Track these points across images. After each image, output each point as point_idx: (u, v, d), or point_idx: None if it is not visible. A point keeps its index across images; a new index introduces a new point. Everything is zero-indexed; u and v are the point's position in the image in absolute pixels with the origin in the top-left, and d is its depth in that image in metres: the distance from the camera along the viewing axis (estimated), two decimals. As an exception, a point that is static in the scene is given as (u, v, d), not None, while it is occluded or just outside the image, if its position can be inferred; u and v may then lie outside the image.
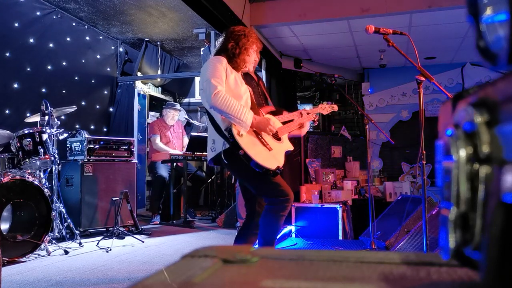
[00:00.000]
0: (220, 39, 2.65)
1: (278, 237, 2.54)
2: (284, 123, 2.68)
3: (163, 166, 5.41)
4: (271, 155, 2.41)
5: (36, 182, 3.36)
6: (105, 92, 6.12)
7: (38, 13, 4.87)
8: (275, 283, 0.43)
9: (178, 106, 5.86)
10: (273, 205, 2.35)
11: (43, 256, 3.39)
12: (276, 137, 2.56)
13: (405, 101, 7.55)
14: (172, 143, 5.69)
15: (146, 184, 6.86)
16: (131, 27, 5.87)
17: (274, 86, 6.36)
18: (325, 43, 6.25)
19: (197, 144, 5.17)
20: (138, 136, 6.58)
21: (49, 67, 5.03)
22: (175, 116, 5.75)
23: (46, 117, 3.70)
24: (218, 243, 4.01)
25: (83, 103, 5.57)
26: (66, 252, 3.46)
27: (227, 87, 2.39)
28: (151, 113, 7.19)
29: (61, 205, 3.83)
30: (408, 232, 3.61)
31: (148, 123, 6.91)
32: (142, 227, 4.63)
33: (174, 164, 5.32)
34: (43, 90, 4.90)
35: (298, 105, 7.93)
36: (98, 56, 5.94)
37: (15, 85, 4.53)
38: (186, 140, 5.91)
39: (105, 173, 4.49)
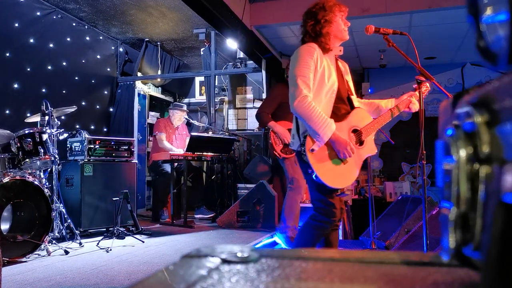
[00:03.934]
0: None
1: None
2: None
3: (167, 165, 5.37)
4: (343, 171, 2.20)
5: (36, 182, 3.36)
6: (105, 92, 6.12)
7: (38, 13, 4.87)
8: (275, 283, 0.43)
9: (185, 107, 5.74)
10: (315, 219, 2.25)
11: (43, 256, 3.39)
12: (359, 139, 2.30)
13: (405, 101, 7.54)
14: (175, 144, 5.65)
15: (146, 184, 6.86)
16: (131, 27, 5.87)
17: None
18: (325, 43, 6.24)
19: (197, 144, 5.15)
20: (138, 136, 6.58)
21: (49, 67, 5.03)
22: (182, 117, 5.63)
23: (46, 117, 3.70)
24: (218, 243, 4.01)
25: (83, 103, 5.57)
26: (67, 252, 3.46)
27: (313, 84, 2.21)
28: (151, 113, 7.19)
29: (61, 205, 3.82)
30: (408, 232, 3.61)
31: (149, 123, 6.91)
32: (142, 227, 4.63)
33: (175, 164, 5.31)
34: (43, 90, 4.90)
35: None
36: (98, 56, 5.94)
37: (15, 85, 4.53)
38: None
39: (105, 173, 4.48)
